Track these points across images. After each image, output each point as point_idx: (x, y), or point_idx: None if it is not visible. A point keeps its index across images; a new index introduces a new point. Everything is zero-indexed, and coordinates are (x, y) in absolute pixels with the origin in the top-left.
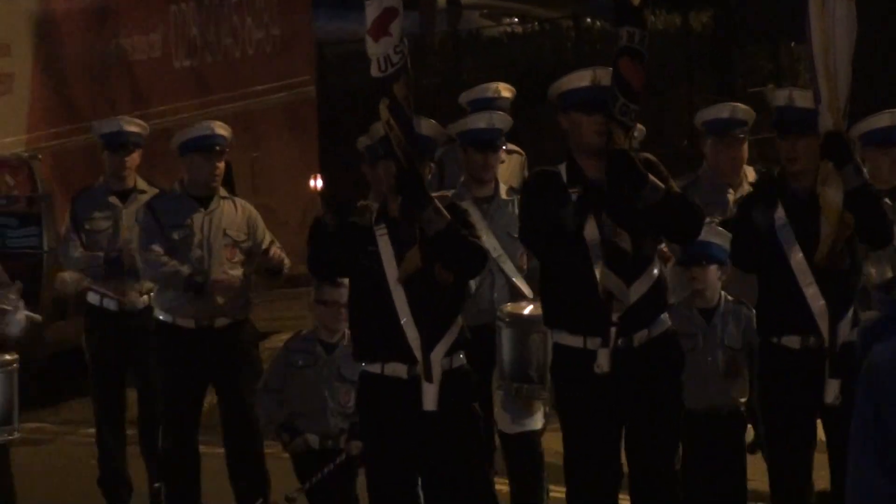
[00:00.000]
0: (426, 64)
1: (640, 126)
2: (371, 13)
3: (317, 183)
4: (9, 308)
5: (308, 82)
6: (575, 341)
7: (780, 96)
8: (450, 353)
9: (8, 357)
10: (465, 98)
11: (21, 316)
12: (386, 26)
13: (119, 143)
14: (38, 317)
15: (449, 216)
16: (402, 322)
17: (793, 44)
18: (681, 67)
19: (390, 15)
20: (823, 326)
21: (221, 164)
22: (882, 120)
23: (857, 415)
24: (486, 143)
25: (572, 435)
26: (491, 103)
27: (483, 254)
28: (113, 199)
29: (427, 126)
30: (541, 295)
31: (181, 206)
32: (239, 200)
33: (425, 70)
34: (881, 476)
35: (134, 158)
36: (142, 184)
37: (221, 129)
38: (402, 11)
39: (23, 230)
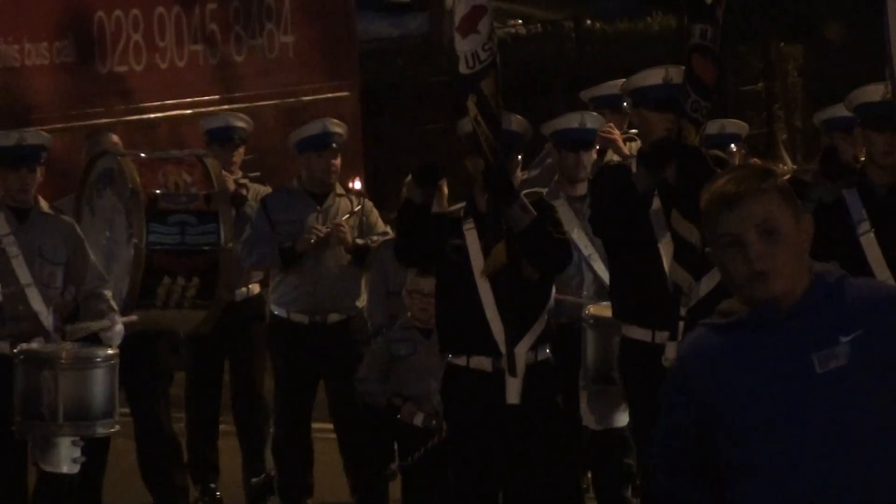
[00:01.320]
0: (435, 62)
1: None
2: (460, 10)
3: (354, 184)
4: (106, 326)
5: (351, 85)
6: (643, 335)
7: (872, 91)
8: (534, 347)
9: (110, 352)
10: (587, 94)
11: (119, 328)
12: (475, 23)
13: (226, 138)
14: (134, 318)
15: (535, 213)
16: (487, 316)
17: (781, 44)
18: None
19: (479, 12)
20: None
21: (337, 161)
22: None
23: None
24: (579, 142)
25: (642, 428)
26: (617, 100)
27: (569, 251)
28: None
29: (515, 122)
30: (610, 288)
31: (296, 202)
32: (356, 195)
33: (435, 68)
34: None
35: (240, 153)
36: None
37: (336, 126)
38: (491, 8)
39: (201, 227)
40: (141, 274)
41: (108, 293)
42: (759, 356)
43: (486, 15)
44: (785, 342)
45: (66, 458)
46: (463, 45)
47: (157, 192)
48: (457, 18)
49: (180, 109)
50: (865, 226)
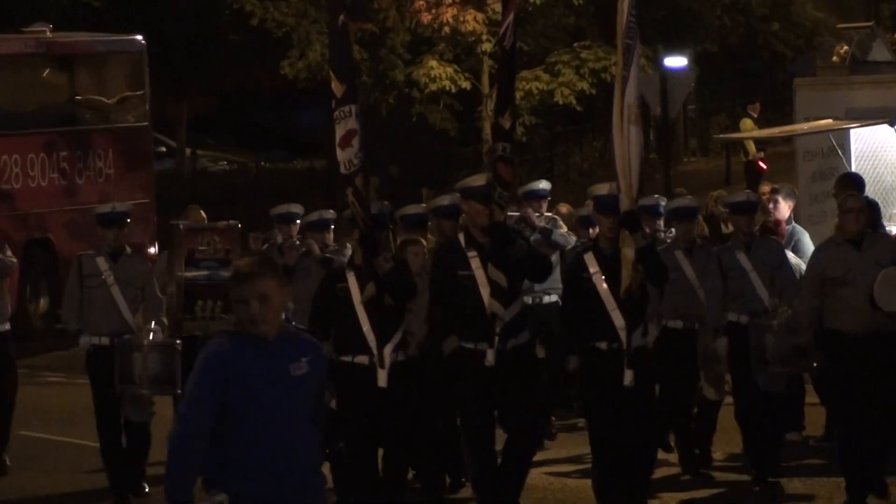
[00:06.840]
0: (178, 189)
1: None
2: (339, 131)
3: None
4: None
5: (148, 195)
6: (470, 344)
7: (602, 187)
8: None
9: (177, 341)
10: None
11: (158, 329)
12: (350, 140)
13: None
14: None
15: (393, 263)
16: (363, 330)
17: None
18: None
19: (352, 133)
20: (623, 336)
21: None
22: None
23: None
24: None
25: (467, 411)
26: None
27: (413, 288)
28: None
29: (379, 205)
30: (441, 311)
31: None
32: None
33: (178, 192)
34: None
35: (294, 229)
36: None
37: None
38: (360, 131)
39: (221, 269)
40: (182, 299)
41: (162, 312)
42: (261, 361)
43: (357, 135)
44: (277, 355)
45: (146, 412)
46: (342, 155)
47: (195, 248)
48: (338, 137)
49: (46, 209)
50: (599, 274)
